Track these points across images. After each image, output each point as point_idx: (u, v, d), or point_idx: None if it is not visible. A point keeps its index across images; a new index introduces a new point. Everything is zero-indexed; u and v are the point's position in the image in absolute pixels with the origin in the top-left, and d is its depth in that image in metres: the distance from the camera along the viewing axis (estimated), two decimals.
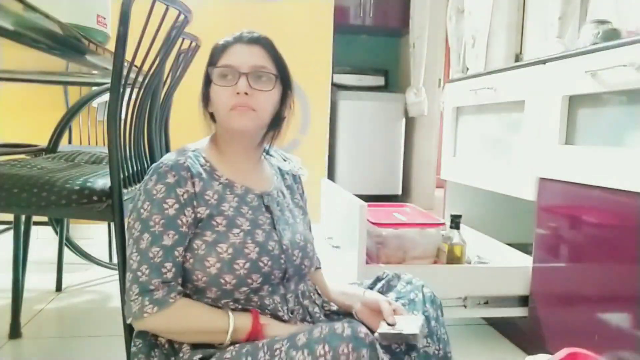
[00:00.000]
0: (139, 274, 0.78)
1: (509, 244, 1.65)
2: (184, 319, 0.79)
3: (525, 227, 1.45)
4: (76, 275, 2.07)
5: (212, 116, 0.91)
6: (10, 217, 1.61)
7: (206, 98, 0.90)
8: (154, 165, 0.85)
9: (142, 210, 0.80)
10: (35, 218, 1.58)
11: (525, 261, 1.44)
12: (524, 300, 1.39)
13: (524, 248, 1.56)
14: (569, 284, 1.23)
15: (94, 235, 2.72)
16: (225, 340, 0.79)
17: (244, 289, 0.81)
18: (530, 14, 2.35)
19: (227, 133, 0.90)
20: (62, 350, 1.42)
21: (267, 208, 0.89)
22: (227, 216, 0.83)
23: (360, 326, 0.71)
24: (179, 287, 0.80)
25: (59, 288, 1.88)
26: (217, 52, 0.91)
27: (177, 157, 0.84)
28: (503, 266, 1.42)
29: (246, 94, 0.84)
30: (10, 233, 1.53)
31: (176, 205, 0.80)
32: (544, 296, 1.33)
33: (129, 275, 0.79)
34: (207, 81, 0.89)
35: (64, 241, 1.90)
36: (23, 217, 1.50)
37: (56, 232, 1.92)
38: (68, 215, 1.19)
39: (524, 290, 1.39)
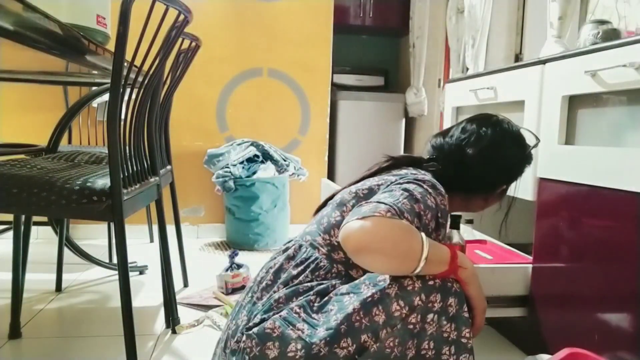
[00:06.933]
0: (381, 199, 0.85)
1: (509, 244, 1.65)
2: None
3: (525, 227, 1.45)
4: (76, 275, 2.07)
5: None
6: (10, 217, 1.61)
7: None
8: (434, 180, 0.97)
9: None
10: (35, 218, 1.58)
11: (525, 261, 1.44)
12: (523, 300, 1.39)
13: (524, 248, 1.56)
14: (569, 284, 1.23)
15: (94, 235, 2.73)
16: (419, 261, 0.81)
17: None
18: (530, 14, 2.36)
19: (456, 207, 1.13)
20: (62, 350, 1.42)
21: None
22: None
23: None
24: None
25: (59, 288, 1.88)
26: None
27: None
28: (503, 266, 1.42)
29: None
30: (10, 233, 1.53)
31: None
32: (543, 296, 1.33)
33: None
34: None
35: (64, 241, 1.90)
36: (23, 217, 1.50)
37: (56, 232, 1.92)
38: (68, 215, 1.18)
39: (523, 290, 1.39)
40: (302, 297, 0.88)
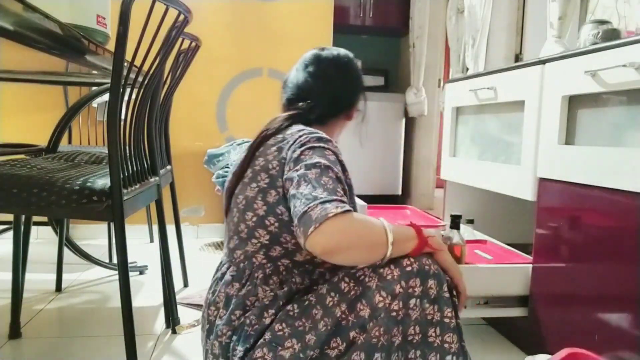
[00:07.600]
0: (316, 194, 0.79)
1: (509, 244, 1.65)
2: (359, 222, 0.79)
3: (525, 227, 1.45)
4: (76, 275, 2.07)
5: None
6: (10, 217, 1.61)
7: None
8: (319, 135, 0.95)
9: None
10: (35, 218, 1.58)
11: (525, 261, 1.45)
12: (523, 300, 1.39)
13: (524, 248, 1.56)
14: (569, 284, 1.23)
15: (94, 235, 2.73)
16: (387, 247, 0.81)
17: None
18: (530, 14, 2.36)
19: (343, 128, 1.22)
20: (62, 350, 1.42)
21: None
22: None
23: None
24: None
25: (59, 288, 1.88)
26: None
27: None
28: (503, 266, 1.42)
29: None
30: (10, 233, 1.53)
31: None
32: (544, 296, 1.33)
33: (299, 202, 0.80)
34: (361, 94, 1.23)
35: (64, 241, 1.90)
36: (23, 217, 1.50)
37: (56, 232, 1.92)
38: (68, 215, 1.18)
39: (523, 290, 1.39)
40: (272, 310, 0.87)
